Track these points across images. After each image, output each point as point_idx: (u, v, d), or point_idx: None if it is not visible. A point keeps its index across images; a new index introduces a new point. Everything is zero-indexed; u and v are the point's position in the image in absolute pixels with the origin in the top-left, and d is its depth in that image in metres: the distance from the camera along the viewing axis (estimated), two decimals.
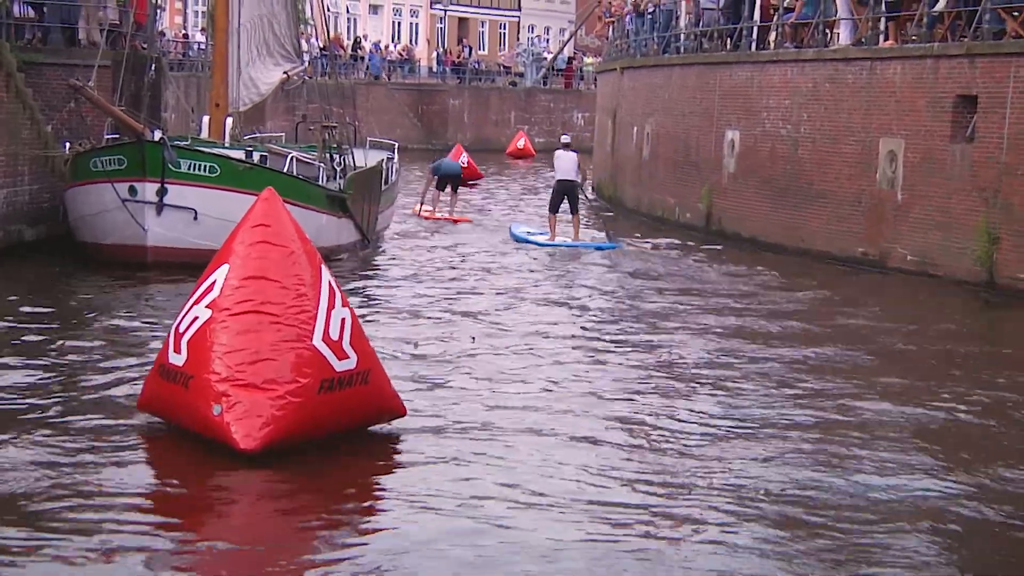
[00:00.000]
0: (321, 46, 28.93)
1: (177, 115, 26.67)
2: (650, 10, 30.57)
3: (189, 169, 17.65)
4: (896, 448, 9.98)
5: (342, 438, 9.32)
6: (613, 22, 36.72)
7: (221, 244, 9.57)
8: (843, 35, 22.25)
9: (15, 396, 10.60)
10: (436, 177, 26.81)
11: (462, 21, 75.48)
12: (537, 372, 12.23)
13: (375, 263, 20.21)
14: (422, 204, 27.32)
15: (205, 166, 17.79)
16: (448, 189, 26.92)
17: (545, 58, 64.66)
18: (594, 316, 15.68)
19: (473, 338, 13.69)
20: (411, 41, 70.07)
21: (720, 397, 11.51)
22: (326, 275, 9.28)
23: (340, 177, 20.95)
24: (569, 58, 65.30)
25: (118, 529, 7.73)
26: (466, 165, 37.04)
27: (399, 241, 23.24)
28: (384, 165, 23.94)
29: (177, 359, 9.14)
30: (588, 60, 63.84)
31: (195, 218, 17.58)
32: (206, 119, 21.77)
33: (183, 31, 50.07)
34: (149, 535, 7.69)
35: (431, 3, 72.68)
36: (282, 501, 8.54)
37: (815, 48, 22.14)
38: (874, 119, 20.11)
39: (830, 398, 11.57)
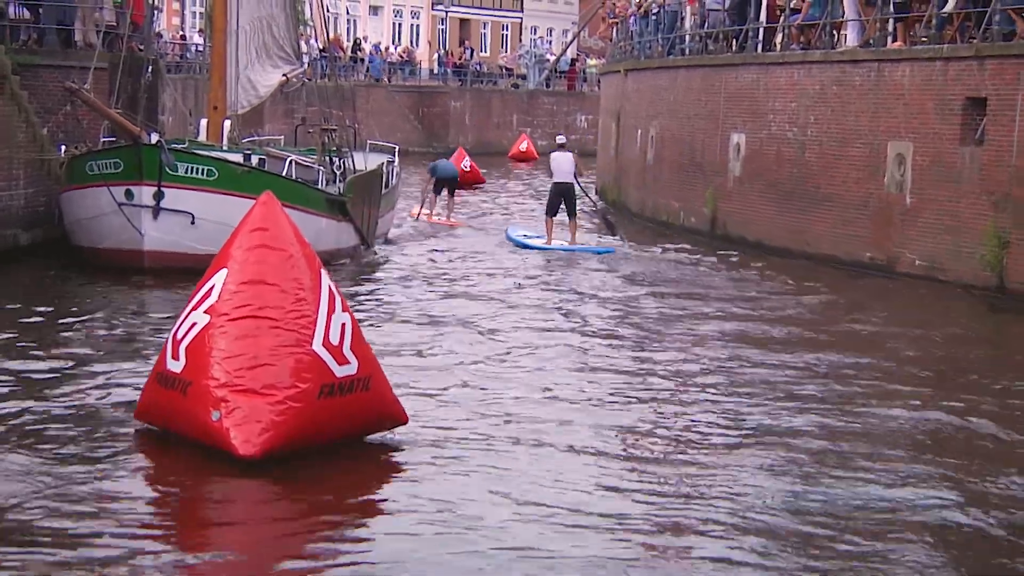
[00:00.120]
0: (320, 48, 28.91)
1: (174, 118, 26.69)
2: (654, 11, 30.57)
3: (186, 172, 17.67)
4: (903, 457, 9.98)
5: (342, 445, 9.34)
6: (617, 23, 36.71)
7: (218, 248, 9.59)
8: (850, 36, 22.26)
9: (9, 404, 10.58)
10: (433, 179, 26.84)
11: (464, 22, 75.52)
12: (538, 379, 12.24)
13: (375, 268, 20.22)
14: (422, 206, 27.36)
15: (203, 169, 17.81)
16: (445, 192, 26.94)
17: (548, 60, 64.66)
18: (594, 322, 15.68)
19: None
20: (412, 43, 70.12)
21: (723, 404, 11.51)
22: (326, 279, 9.29)
23: (340, 180, 20.96)
24: (572, 60, 65.25)
25: (116, 538, 7.73)
26: (468, 169, 37.12)
27: (398, 245, 23.26)
28: (384, 168, 23.95)
29: (175, 366, 9.16)
30: (592, 62, 63.81)
31: (192, 222, 17.59)
32: (204, 122, 21.77)
33: (181, 32, 50.14)
34: (146, 545, 7.70)
35: (432, 4, 72.73)
36: (281, 509, 8.56)
37: (822, 50, 22.15)
38: (882, 122, 20.11)
39: (836, 405, 11.58)
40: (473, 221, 27.67)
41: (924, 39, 19.82)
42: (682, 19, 29.46)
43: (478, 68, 63.12)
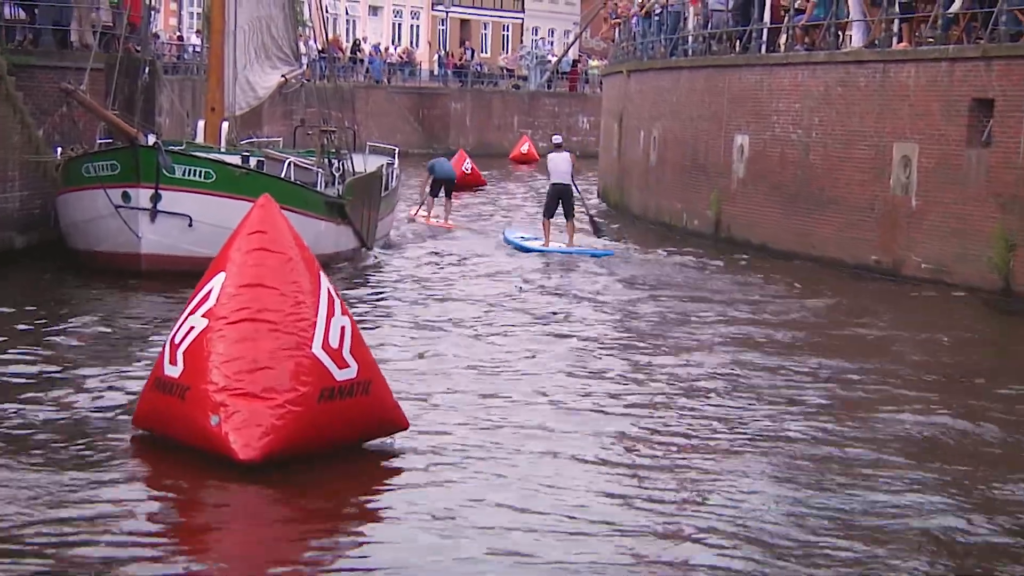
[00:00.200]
0: (319, 48, 28.92)
1: (172, 119, 26.67)
2: (657, 11, 30.58)
3: (184, 175, 17.68)
4: (908, 463, 9.97)
5: (341, 450, 9.33)
6: (619, 24, 36.73)
7: (216, 251, 9.60)
8: (855, 37, 22.26)
9: (4, 410, 10.57)
10: (431, 179, 26.85)
11: (464, 23, 75.56)
12: (537, 384, 12.22)
13: (373, 271, 20.23)
14: (421, 205, 27.38)
15: (200, 172, 17.81)
16: (442, 194, 26.96)
17: (549, 61, 64.71)
18: (594, 326, 15.66)
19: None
20: (412, 43, 70.18)
21: (725, 409, 11.50)
22: (325, 282, 9.30)
23: (339, 183, 20.97)
24: (574, 61, 65.30)
25: (113, 547, 7.72)
26: (469, 172, 37.18)
27: (396, 248, 23.30)
28: (384, 170, 23.96)
29: (173, 371, 9.16)
30: (593, 63, 63.85)
31: (190, 225, 17.60)
32: (201, 123, 21.79)
33: (178, 33, 50.11)
34: (143, 552, 7.70)
35: (432, 4, 72.76)
36: (280, 515, 8.57)
37: (827, 50, 22.15)
38: (887, 123, 20.11)
39: (840, 410, 11.58)
40: (471, 223, 27.69)
41: (930, 39, 19.82)
42: (685, 19, 29.48)
43: (479, 69, 63.15)
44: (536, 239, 23.28)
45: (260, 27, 22.27)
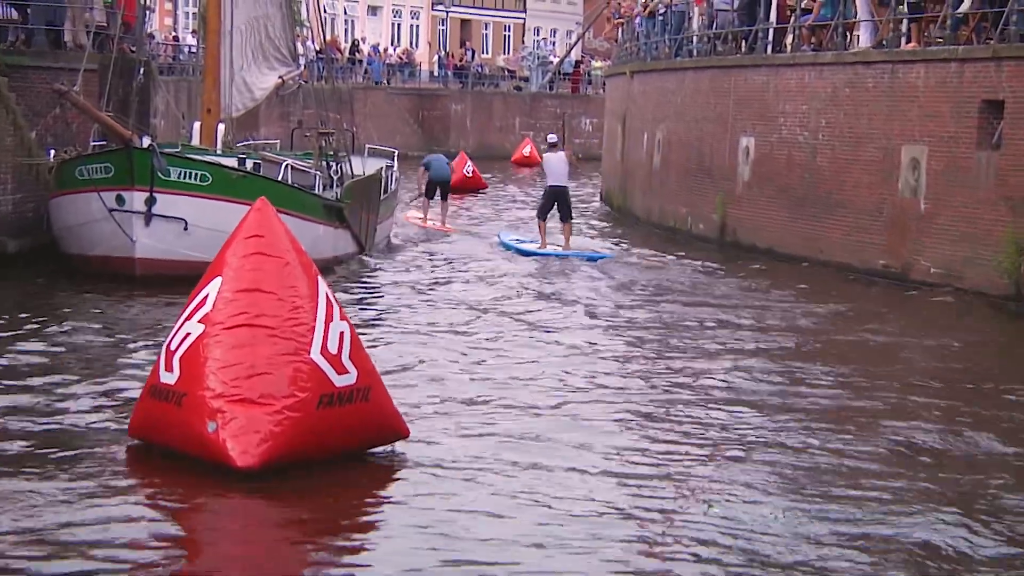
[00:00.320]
0: (317, 49, 28.96)
1: (167, 121, 26.73)
2: (661, 11, 30.61)
3: (179, 177, 17.69)
4: (916, 474, 9.95)
5: (341, 458, 9.33)
6: (622, 24, 36.78)
7: (212, 256, 9.62)
8: (863, 37, 22.29)
9: None
10: (427, 177, 26.86)
11: (465, 23, 75.60)
12: (537, 392, 12.22)
13: (369, 275, 20.24)
14: (416, 199, 27.43)
15: (196, 174, 17.83)
16: (438, 196, 26.97)
17: (551, 61, 64.75)
18: (593, 333, 15.64)
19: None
20: (411, 44, 70.21)
21: (728, 418, 11.47)
22: (323, 287, 9.32)
23: (337, 186, 20.99)
24: (576, 61, 65.37)
25: (108, 561, 7.72)
26: (471, 175, 37.22)
27: (393, 252, 23.32)
28: (383, 173, 23.98)
29: (169, 377, 9.16)
30: (596, 64, 63.90)
31: (185, 229, 17.62)
32: (197, 125, 21.80)
33: (173, 33, 50.20)
34: (140, 561, 7.72)
35: (432, 4, 72.80)
36: (278, 524, 8.58)
37: (834, 51, 22.18)
38: (896, 125, 20.13)
39: (848, 419, 11.56)
40: (468, 226, 27.72)
41: (939, 40, 19.83)
42: (689, 19, 29.52)
43: (479, 70, 63.19)
44: (532, 242, 23.31)
45: (257, 27, 22.30)
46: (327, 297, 9.27)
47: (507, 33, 79.19)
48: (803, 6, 24.14)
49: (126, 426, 9.92)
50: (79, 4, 21.90)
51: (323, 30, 25.34)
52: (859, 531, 8.58)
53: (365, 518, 8.87)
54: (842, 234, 21.27)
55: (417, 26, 73.23)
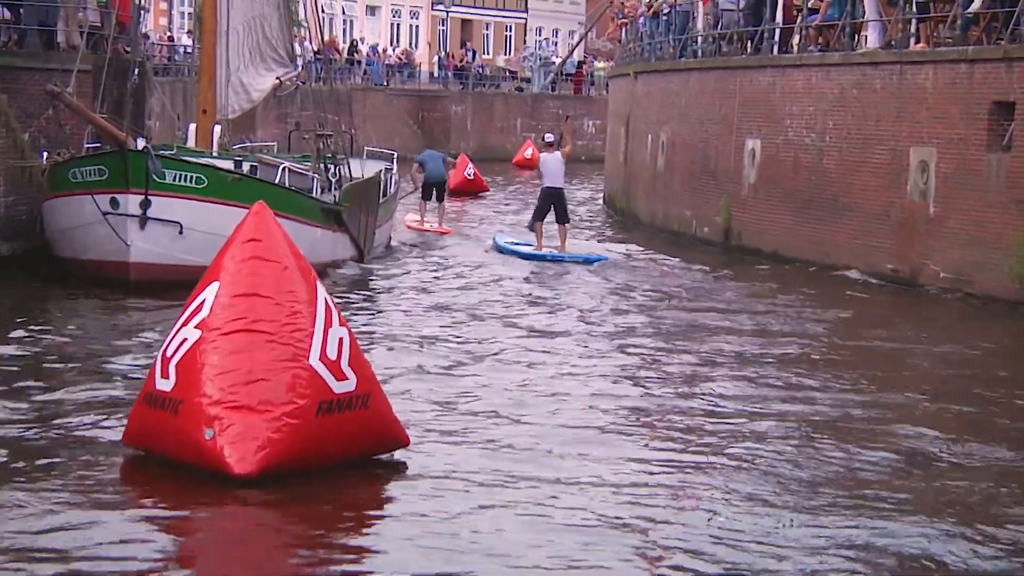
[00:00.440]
0: (315, 50, 28.98)
1: (162, 123, 26.72)
2: (665, 11, 30.62)
3: (174, 180, 17.69)
4: (924, 485, 9.90)
5: (340, 466, 9.32)
6: (626, 24, 36.80)
7: (208, 260, 9.63)
8: (871, 38, 22.28)
9: None
10: (423, 174, 26.86)
11: (465, 23, 75.67)
12: (537, 400, 12.19)
13: (368, 280, 20.24)
14: (411, 192, 27.47)
15: (191, 177, 17.83)
16: (434, 199, 26.98)
17: (553, 62, 64.79)
18: (594, 338, 15.60)
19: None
20: (411, 44, 70.26)
21: (731, 428, 11.42)
22: (322, 292, 9.31)
23: (335, 189, 20.99)
24: (579, 62, 65.40)
25: (104, 572, 7.71)
26: (472, 177, 37.25)
27: (390, 256, 23.35)
28: (382, 176, 23.99)
29: (165, 384, 9.15)
30: (599, 64, 63.97)
31: (181, 232, 17.61)
32: (193, 127, 21.83)
33: (169, 33, 50.20)
34: (135, 570, 7.70)
35: (432, 4, 72.85)
36: (276, 533, 8.58)
37: (841, 51, 22.19)
38: (904, 127, 20.14)
39: (855, 427, 11.53)
40: (466, 228, 27.73)
41: (948, 40, 19.84)
42: (694, 19, 29.52)
43: (480, 71, 63.22)
44: (528, 244, 23.34)
45: (254, 27, 22.32)
46: (326, 302, 9.27)
47: (508, 33, 79.25)
48: (810, 6, 24.15)
49: (120, 434, 9.90)
50: (72, 4, 21.89)
51: (321, 30, 25.35)
52: (865, 542, 8.54)
53: (363, 527, 8.87)
54: (849, 238, 21.26)
55: (417, 26, 73.30)
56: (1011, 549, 8.57)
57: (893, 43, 21.23)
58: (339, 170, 21.61)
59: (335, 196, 20.67)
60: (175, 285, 15.49)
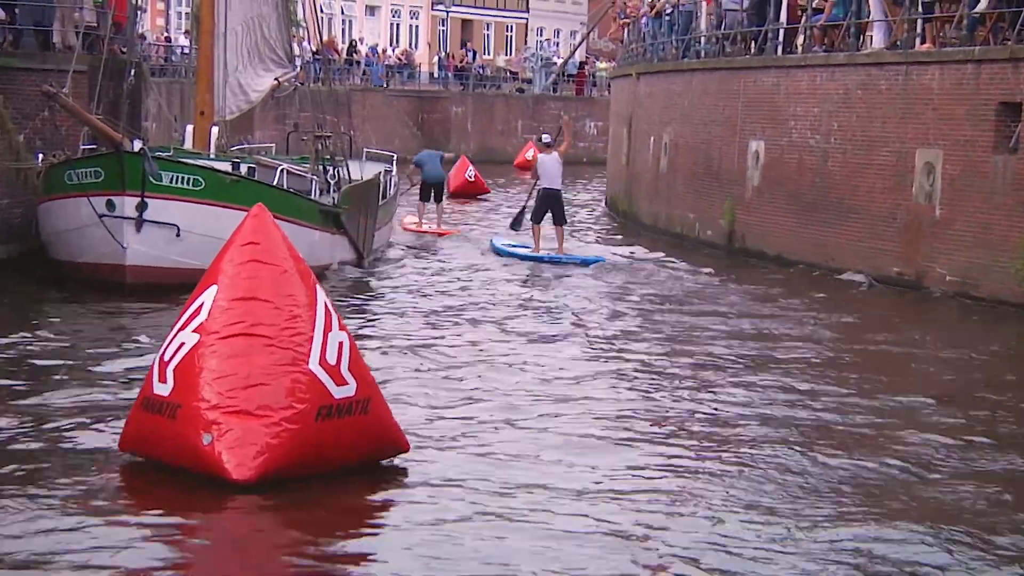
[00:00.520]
0: (314, 50, 29.00)
1: (159, 124, 26.74)
2: (668, 11, 30.63)
3: (171, 182, 17.70)
4: (928, 492, 9.88)
5: (339, 472, 9.33)
6: (628, 24, 36.79)
7: (205, 263, 9.63)
8: (876, 38, 22.30)
9: None
10: (420, 174, 26.86)
11: (466, 23, 75.67)
12: (537, 406, 12.18)
13: (370, 283, 20.24)
14: (408, 188, 27.47)
15: (189, 179, 17.84)
16: (432, 200, 26.98)
17: (555, 63, 64.78)
18: (593, 342, 15.61)
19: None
20: (411, 44, 70.26)
21: (733, 434, 11.40)
22: (321, 296, 9.31)
23: (334, 191, 21.01)
24: (581, 63, 65.39)
25: None
26: (473, 179, 37.27)
27: (390, 258, 23.36)
28: (382, 178, 24.01)
29: (163, 389, 9.15)
30: (601, 65, 63.96)
31: (177, 235, 17.62)
32: (190, 128, 21.83)
33: (166, 34, 50.25)
34: None
35: (432, 4, 72.86)
36: (274, 538, 8.58)
37: (846, 52, 22.19)
38: (910, 128, 20.14)
39: (858, 434, 11.50)
40: (464, 230, 27.74)
41: (955, 40, 19.84)
42: (697, 19, 29.51)
43: (481, 71, 63.22)
44: (525, 246, 23.37)
45: (252, 28, 22.33)
46: (326, 306, 9.27)
47: (509, 33, 79.25)
48: (814, 6, 24.15)
49: (117, 440, 9.90)
50: (68, 4, 21.93)
51: (320, 30, 25.36)
52: (868, 549, 8.53)
53: (362, 533, 8.86)
54: (854, 240, 21.26)
55: (416, 26, 73.30)
56: (1019, 557, 8.56)
57: (898, 43, 21.24)
58: (338, 172, 21.62)
59: (334, 198, 20.69)
60: (172, 288, 15.51)
